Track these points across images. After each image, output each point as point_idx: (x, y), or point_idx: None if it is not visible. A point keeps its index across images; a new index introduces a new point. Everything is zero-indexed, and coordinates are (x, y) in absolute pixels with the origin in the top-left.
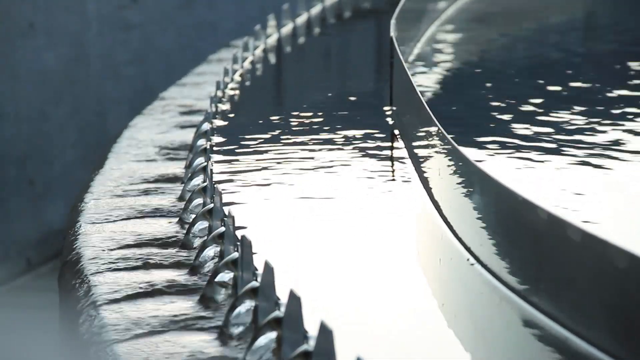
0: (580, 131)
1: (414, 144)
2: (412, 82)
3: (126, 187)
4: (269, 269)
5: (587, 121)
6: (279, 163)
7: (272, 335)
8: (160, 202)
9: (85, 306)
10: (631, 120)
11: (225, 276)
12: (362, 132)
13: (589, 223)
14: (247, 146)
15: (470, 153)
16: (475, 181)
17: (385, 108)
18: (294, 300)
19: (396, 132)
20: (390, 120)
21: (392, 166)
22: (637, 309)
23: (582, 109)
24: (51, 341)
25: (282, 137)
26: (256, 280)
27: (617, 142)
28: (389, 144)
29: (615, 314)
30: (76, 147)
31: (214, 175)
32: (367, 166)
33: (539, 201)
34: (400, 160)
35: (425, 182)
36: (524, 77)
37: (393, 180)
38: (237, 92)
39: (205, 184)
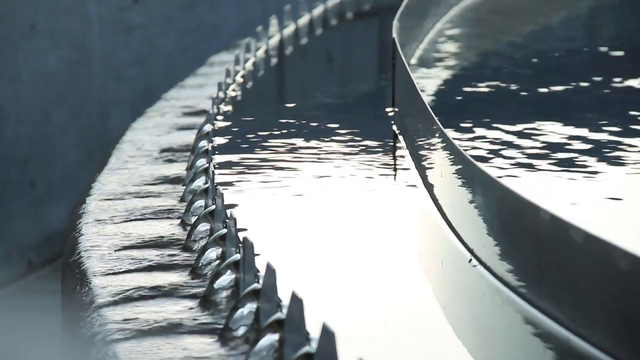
0: (583, 133)
1: (416, 145)
2: (414, 83)
3: (128, 189)
4: (270, 271)
5: (590, 123)
6: (280, 164)
7: (274, 337)
8: (162, 203)
9: (86, 308)
10: (634, 122)
11: (227, 278)
12: (364, 133)
13: (591, 224)
14: (249, 147)
15: (472, 154)
16: (477, 183)
17: (387, 109)
18: (296, 302)
19: (398, 133)
20: (392, 122)
21: (394, 167)
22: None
23: (585, 110)
24: (53, 343)
25: (283, 138)
26: (258, 282)
27: (619, 144)
28: (391, 145)
29: (618, 315)
30: (78, 149)
31: (215, 176)
32: (369, 167)
33: (541, 203)
34: (402, 161)
35: (427, 183)
36: (528, 78)
37: (395, 181)
38: (239, 93)
39: (206, 185)
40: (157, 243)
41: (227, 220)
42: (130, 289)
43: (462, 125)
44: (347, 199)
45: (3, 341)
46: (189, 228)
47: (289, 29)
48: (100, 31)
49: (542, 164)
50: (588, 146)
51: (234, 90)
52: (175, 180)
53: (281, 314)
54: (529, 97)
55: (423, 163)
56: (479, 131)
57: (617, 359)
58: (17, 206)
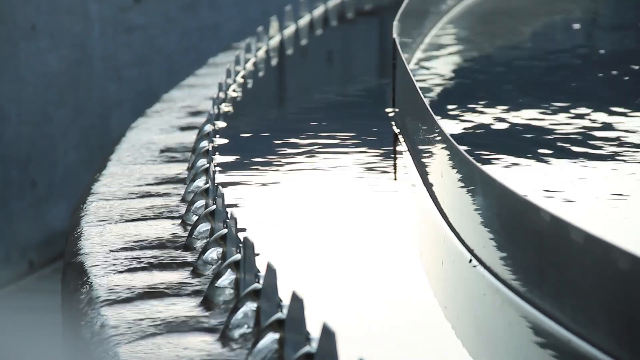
0: (585, 133)
1: (417, 145)
2: (414, 83)
3: (128, 189)
4: (271, 271)
5: (590, 123)
6: (281, 164)
7: (274, 337)
8: (163, 203)
9: (87, 308)
10: (636, 120)
11: (228, 278)
12: (364, 133)
13: (591, 225)
14: (249, 147)
15: (473, 155)
16: (477, 183)
17: (388, 109)
18: (297, 302)
19: (398, 133)
20: (392, 122)
21: (394, 168)
22: None
23: (585, 110)
24: (54, 343)
25: (284, 138)
26: (258, 282)
27: (621, 145)
28: (391, 145)
29: (618, 315)
30: (79, 149)
31: (216, 176)
32: (369, 168)
33: (541, 203)
34: (402, 161)
35: (427, 183)
36: (528, 78)
37: (395, 181)
38: (240, 93)
39: (207, 185)
40: (158, 243)
41: (228, 220)
42: (131, 289)
43: (463, 125)
44: (347, 199)
45: (3, 341)
46: (189, 228)
47: (290, 30)
48: (101, 31)
49: (542, 163)
50: (588, 146)
51: (234, 90)
52: (175, 180)
53: (282, 314)
54: (529, 97)
55: (423, 163)
56: (480, 131)
57: (617, 359)
58: (18, 206)
